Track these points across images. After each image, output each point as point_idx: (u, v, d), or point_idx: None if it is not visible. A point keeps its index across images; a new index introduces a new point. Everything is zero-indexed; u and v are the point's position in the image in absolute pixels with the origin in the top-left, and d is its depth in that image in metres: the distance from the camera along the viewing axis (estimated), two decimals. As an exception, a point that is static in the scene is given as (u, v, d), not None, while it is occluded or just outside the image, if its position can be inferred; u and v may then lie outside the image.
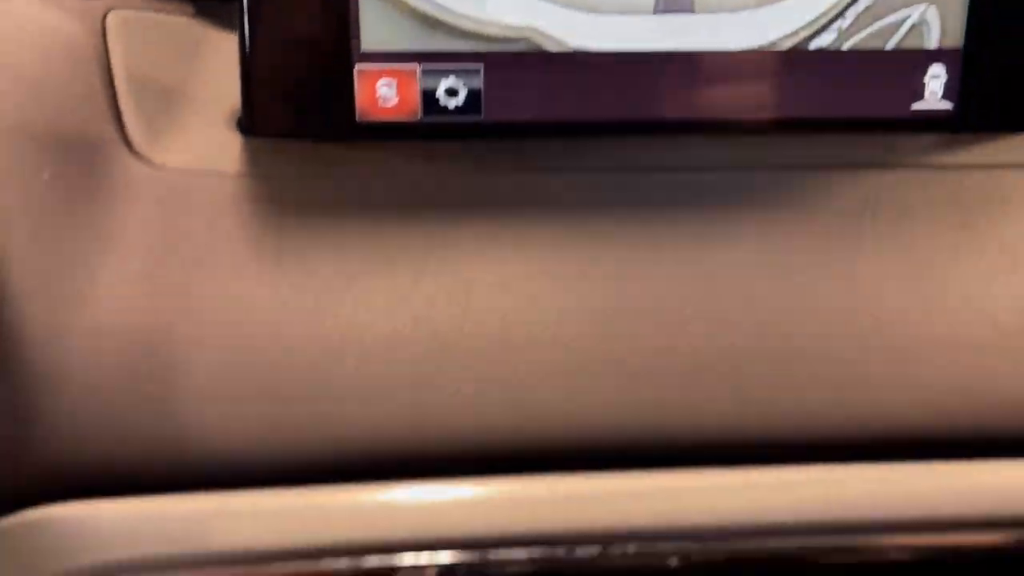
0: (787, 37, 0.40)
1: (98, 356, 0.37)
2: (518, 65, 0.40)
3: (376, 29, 0.39)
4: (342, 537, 0.37)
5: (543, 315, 0.39)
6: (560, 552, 0.38)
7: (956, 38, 0.41)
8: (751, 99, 0.40)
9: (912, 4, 0.40)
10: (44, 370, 0.37)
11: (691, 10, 0.40)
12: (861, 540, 0.39)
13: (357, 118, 0.40)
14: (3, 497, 0.36)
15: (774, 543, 0.39)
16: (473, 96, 0.40)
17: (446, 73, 0.40)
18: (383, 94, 0.40)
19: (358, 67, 0.39)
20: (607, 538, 0.38)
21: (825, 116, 0.41)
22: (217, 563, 0.36)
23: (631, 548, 0.38)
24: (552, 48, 0.39)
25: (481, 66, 0.39)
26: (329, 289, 0.39)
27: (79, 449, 0.37)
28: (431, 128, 0.40)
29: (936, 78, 0.41)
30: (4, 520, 0.36)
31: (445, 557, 0.37)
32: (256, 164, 0.40)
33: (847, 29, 0.40)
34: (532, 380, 0.39)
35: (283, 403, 0.38)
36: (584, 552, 0.38)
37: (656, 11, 0.40)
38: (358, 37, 0.39)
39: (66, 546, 0.36)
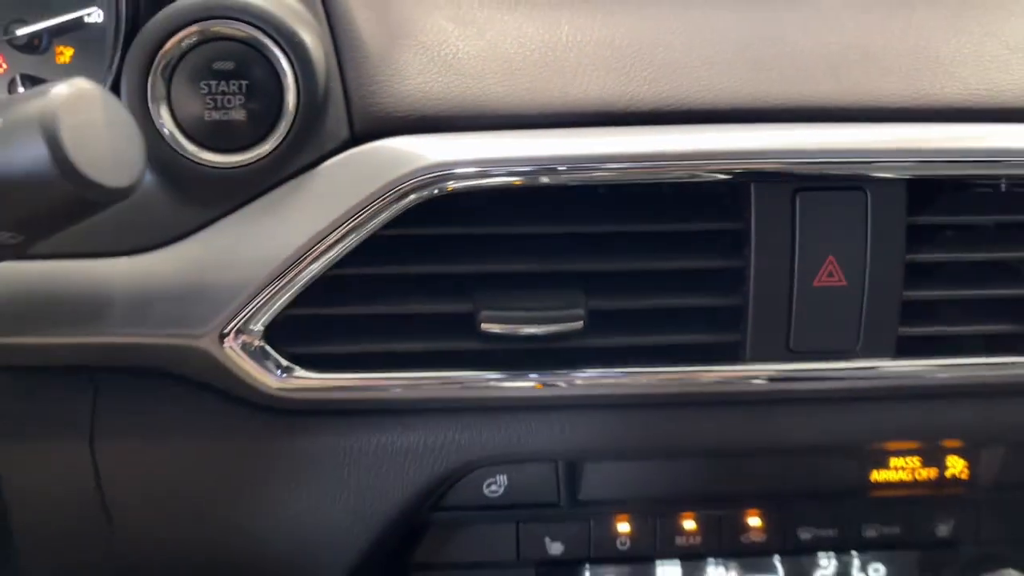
0: None
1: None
2: None
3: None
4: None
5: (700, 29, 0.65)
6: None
7: None
8: None
9: None
10: (378, 56, 0.62)
11: None
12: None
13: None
14: (367, 133, 0.61)
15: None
16: None
17: None
18: None
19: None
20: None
21: None
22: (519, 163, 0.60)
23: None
24: None
25: None
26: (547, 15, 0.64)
27: (419, 100, 0.61)
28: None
29: None
30: (374, 144, 0.61)
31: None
32: None
33: None
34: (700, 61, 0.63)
35: (521, 76, 0.62)
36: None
37: None
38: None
39: (414, 155, 0.60)
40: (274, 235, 0.60)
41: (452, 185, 0.60)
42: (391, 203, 0.59)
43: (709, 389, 0.64)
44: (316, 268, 0.60)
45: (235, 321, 0.60)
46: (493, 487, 0.69)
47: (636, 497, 0.71)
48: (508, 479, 0.68)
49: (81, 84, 0.45)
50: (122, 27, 0.61)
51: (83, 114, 0.44)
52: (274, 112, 0.59)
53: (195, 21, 0.58)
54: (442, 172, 0.59)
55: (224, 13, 0.58)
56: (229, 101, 0.59)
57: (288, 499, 0.65)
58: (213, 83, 0.59)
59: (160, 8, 0.59)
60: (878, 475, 0.72)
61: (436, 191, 0.59)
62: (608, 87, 0.63)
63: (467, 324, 0.62)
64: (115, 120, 0.46)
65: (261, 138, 0.60)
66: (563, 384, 0.63)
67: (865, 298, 0.63)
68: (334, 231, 0.59)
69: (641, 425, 0.66)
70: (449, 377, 0.62)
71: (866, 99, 0.64)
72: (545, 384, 0.63)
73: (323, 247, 0.59)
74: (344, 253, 0.60)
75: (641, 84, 0.63)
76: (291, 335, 0.61)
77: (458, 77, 0.62)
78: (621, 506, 0.71)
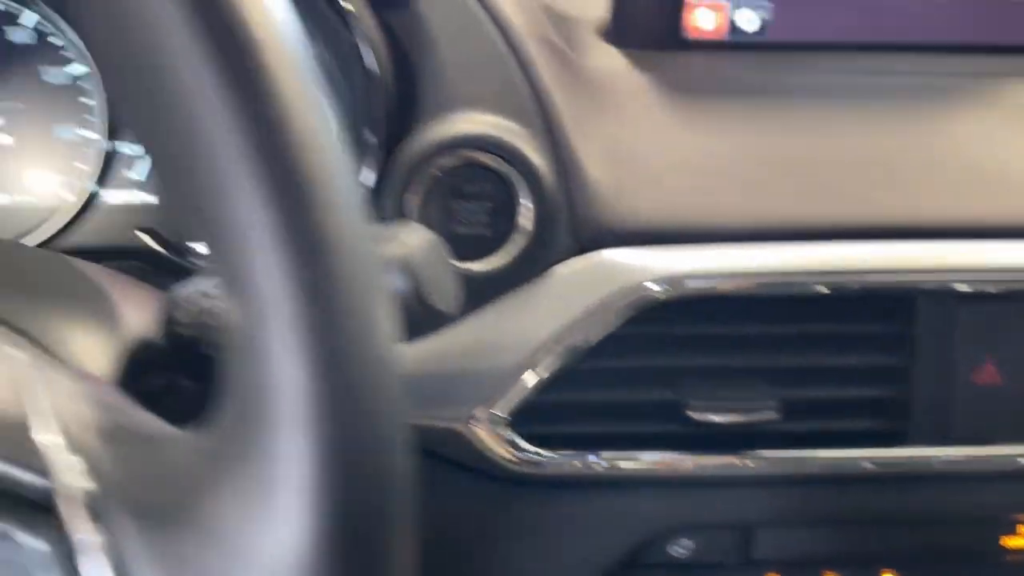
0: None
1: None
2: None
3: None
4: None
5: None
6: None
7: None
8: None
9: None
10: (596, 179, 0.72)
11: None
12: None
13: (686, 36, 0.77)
14: (590, 245, 0.72)
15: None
16: (764, 24, 0.77)
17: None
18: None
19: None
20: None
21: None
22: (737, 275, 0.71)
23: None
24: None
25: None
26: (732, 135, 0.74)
27: (632, 217, 0.72)
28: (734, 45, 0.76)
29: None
30: (599, 254, 0.72)
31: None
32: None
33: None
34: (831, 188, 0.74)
35: (715, 193, 0.73)
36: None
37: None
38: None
39: (635, 266, 0.71)
40: (517, 332, 0.70)
41: (669, 293, 0.70)
42: (620, 308, 0.69)
43: (877, 470, 0.74)
44: (556, 361, 0.70)
45: (483, 406, 0.70)
46: (679, 549, 0.78)
47: (793, 558, 0.81)
48: (694, 542, 0.78)
49: (421, 232, 0.55)
50: (379, 152, 0.71)
51: (426, 256, 0.55)
52: (511, 228, 0.70)
53: (454, 149, 0.68)
54: (663, 282, 0.70)
55: (480, 145, 0.68)
56: (474, 218, 0.70)
57: (514, 558, 0.75)
58: (461, 202, 0.69)
59: (402, 132, 0.70)
60: (1007, 540, 0.82)
61: (658, 297, 0.70)
62: (791, 203, 0.72)
63: (672, 410, 0.72)
64: (442, 258, 0.57)
65: (500, 249, 0.70)
66: (756, 464, 0.73)
67: (1019, 395, 0.73)
68: (571, 330, 0.69)
69: (816, 498, 0.76)
70: (665, 456, 0.72)
71: (1009, 217, 0.74)
72: (741, 463, 0.73)
73: (563, 344, 0.69)
74: (582, 350, 0.70)
75: (817, 202, 0.73)
76: (526, 417, 0.71)
77: (663, 195, 0.72)
78: (776, 565, 0.81)
